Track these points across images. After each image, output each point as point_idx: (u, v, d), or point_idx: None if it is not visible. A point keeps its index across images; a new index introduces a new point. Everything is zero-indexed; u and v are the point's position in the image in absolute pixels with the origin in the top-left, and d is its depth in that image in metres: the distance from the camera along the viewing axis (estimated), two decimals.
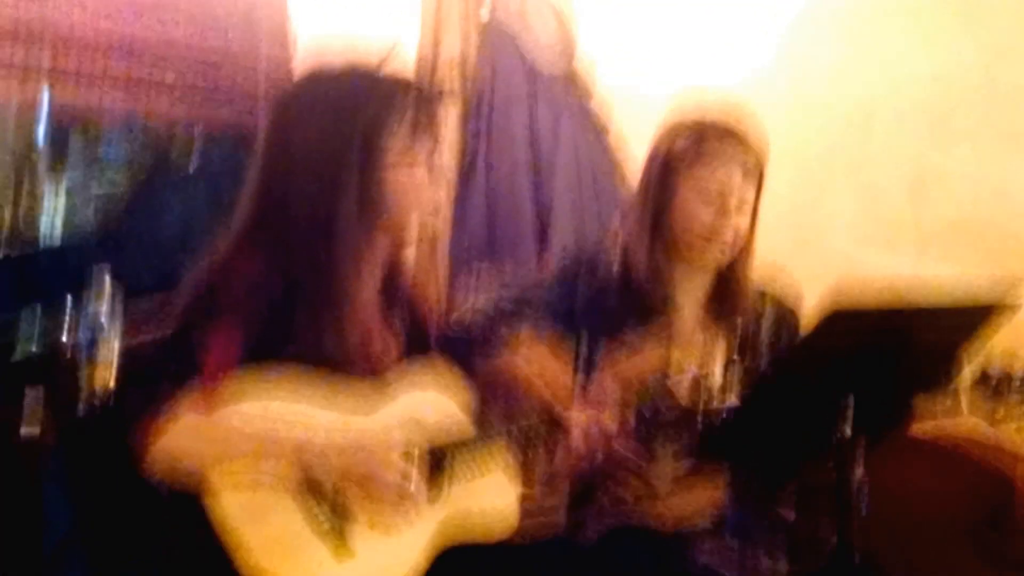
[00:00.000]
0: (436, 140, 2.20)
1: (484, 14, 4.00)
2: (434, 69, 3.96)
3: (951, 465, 3.08)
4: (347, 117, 2.11)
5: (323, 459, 2.00)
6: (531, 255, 3.70)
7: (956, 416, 2.53)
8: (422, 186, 2.16)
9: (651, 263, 2.61)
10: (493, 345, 2.53)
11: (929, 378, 2.15)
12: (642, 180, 2.68)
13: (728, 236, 2.58)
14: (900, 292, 1.92)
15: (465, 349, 2.49)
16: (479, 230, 3.84)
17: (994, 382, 2.52)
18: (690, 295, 2.67)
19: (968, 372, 2.43)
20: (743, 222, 2.60)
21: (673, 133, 2.63)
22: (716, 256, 2.60)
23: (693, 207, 2.58)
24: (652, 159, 2.65)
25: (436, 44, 3.99)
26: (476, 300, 2.63)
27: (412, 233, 2.19)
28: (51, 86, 3.54)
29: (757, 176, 2.60)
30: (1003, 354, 2.03)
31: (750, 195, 2.60)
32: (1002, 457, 3.10)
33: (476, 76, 3.95)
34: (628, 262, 2.63)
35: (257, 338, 2.04)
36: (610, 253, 2.68)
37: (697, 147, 2.58)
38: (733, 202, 2.56)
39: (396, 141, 2.12)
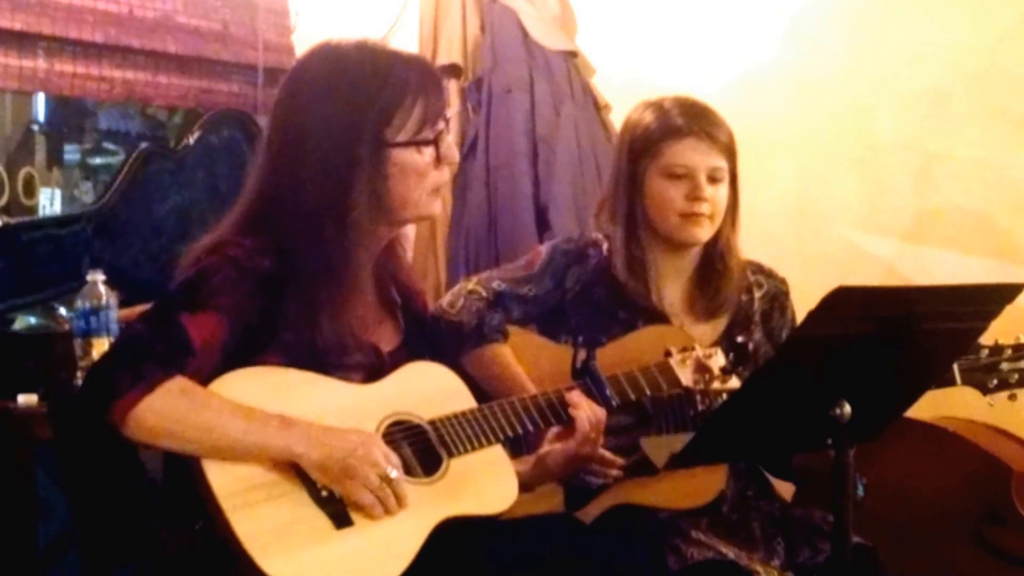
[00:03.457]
0: (446, 121, 2.19)
1: None
2: (435, 46, 3.94)
3: (950, 452, 3.07)
4: (359, 105, 2.10)
5: (307, 435, 1.98)
6: (531, 236, 3.67)
7: (950, 386, 2.52)
8: (428, 167, 2.14)
9: (629, 254, 2.59)
10: (482, 334, 2.51)
11: (938, 368, 2.12)
12: (612, 171, 2.67)
13: (704, 210, 2.55)
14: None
15: (454, 336, 2.48)
16: (478, 211, 3.82)
17: (986, 352, 2.51)
18: (675, 276, 2.65)
19: None
20: (720, 193, 2.57)
21: (636, 119, 2.62)
22: (696, 233, 2.57)
23: (663, 188, 2.56)
24: (619, 148, 2.65)
25: (436, 20, 3.96)
26: (466, 284, 2.60)
27: (412, 213, 2.18)
28: (50, 58, 3.54)
29: (727, 146, 2.58)
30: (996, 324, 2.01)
31: (721, 163, 2.56)
32: (1001, 442, 3.09)
33: (477, 52, 3.92)
34: (610, 254, 2.61)
35: (248, 323, 2.04)
36: (599, 243, 2.65)
37: (659, 127, 2.56)
38: (703, 176, 2.54)
39: (407, 124, 2.11)
